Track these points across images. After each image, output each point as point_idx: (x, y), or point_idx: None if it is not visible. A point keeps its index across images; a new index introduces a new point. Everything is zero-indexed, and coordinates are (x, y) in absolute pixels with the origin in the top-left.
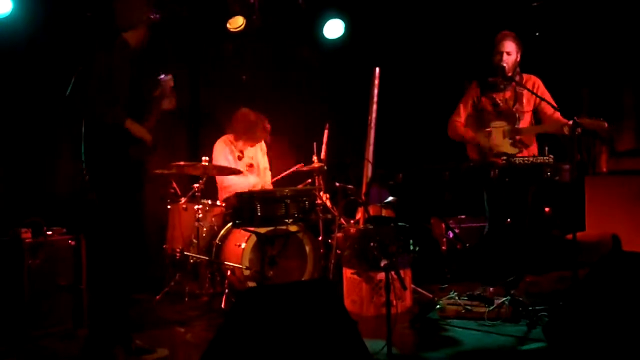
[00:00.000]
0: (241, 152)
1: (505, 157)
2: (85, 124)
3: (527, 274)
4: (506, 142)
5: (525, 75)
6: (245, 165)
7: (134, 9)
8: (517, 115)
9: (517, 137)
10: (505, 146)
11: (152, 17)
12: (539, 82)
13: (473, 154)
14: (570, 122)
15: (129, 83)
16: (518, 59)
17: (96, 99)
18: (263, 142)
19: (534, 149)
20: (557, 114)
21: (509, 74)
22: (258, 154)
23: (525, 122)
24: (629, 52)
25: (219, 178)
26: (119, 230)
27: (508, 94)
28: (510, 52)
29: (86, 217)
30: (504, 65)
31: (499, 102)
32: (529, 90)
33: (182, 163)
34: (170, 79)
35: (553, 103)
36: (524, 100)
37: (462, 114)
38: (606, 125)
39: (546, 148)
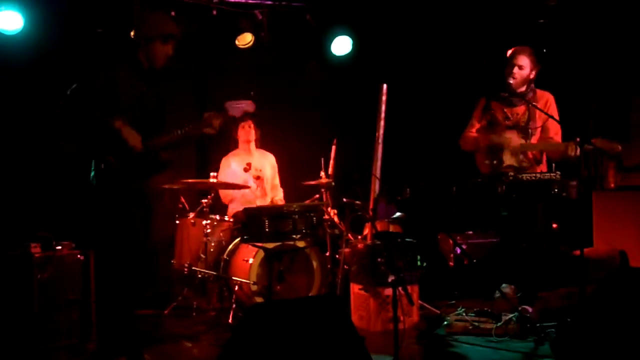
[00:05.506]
0: (248, 164)
1: (512, 174)
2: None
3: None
4: (515, 158)
5: (539, 92)
6: (252, 177)
7: (152, 24)
8: (530, 131)
9: (529, 154)
10: (516, 162)
11: (172, 32)
12: (551, 100)
13: (483, 167)
14: (575, 142)
15: (139, 98)
16: (532, 76)
17: (90, 101)
18: (273, 158)
19: (543, 166)
20: (558, 137)
21: (518, 90)
22: (267, 168)
23: (537, 138)
24: (638, 67)
25: (221, 193)
26: (114, 245)
27: (521, 109)
28: (522, 67)
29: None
30: (511, 82)
31: (510, 115)
32: (537, 108)
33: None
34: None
35: (558, 125)
36: (537, 117)
37: (475, 126)
38: (620, 148)
39: (553, 165)
